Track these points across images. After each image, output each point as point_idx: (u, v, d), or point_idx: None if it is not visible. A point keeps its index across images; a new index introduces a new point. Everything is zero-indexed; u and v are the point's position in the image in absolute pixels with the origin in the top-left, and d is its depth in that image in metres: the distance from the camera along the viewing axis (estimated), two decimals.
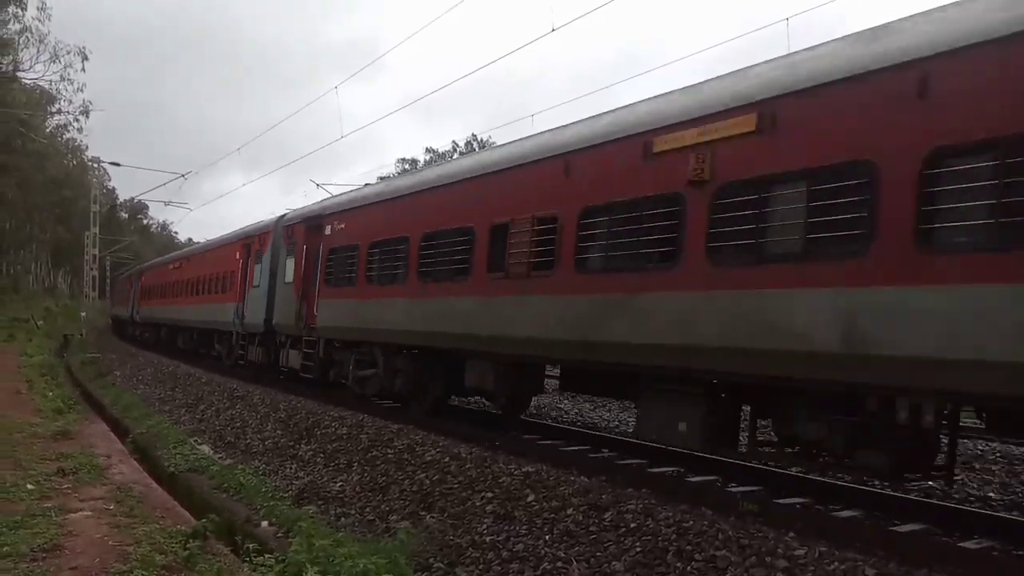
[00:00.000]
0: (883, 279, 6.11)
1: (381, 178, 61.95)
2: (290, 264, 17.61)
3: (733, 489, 8.29)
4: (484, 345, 10.78)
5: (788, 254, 6.90)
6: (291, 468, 11.14)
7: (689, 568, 6.04)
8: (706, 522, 6.67)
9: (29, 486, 8.67)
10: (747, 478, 9.11)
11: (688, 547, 6.28)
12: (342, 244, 15.28)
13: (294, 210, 19.32)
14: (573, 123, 10.28)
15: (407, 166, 70.31)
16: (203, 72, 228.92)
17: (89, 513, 7.70)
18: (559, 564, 6.72)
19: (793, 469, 9.80)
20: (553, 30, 15.55)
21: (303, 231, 17.25)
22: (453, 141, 68.15)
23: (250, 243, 20.88)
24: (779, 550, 5.95)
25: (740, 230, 7.28)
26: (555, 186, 9.63)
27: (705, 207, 7.59)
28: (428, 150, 68.76)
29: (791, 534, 6.46)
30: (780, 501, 7.81)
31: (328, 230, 15.98)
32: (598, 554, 6.69)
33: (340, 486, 9.93)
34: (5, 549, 6.29)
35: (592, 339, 8.84)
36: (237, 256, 21.53)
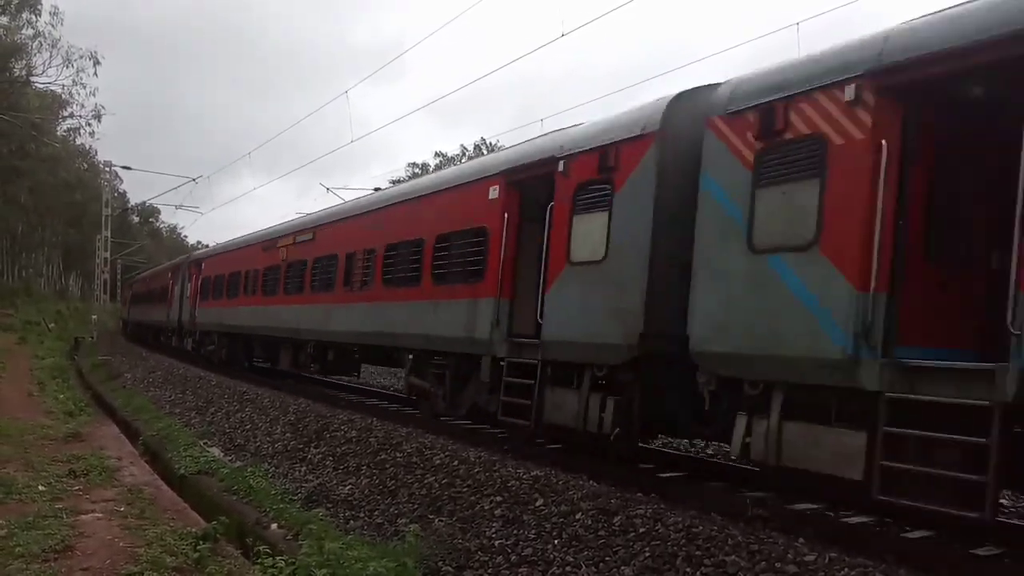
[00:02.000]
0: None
1: (392, 182, 62.34)
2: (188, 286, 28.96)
3: (743, 494, 8.26)
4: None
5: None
6: (300, 471, 11.17)
7: (698, 573, 6.02)
8: (715, 527, 6.65)
9: (41, 487, 8.73)
10: (757, 483, 9.08)
11: (697, 552, 6.26)
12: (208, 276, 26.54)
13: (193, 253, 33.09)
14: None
15: (417, 170, 70.66)
16: (223, 74, 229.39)
17: (100, 515, 7.75)
18: (568, 568, 6.72)
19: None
20: (563, 35, 15.65)
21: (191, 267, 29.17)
22: (462, 145, 68.42)
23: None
24: (789, 555, 5.93)
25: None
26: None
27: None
28: (437, 154, 69.00)
29: (801, 540, 6.43)
30: (790, 507, 7.78)
31: (203, 266, 27.38)
32: (607, 559, 6.68)
33: (349, 489, 9.95)
34: (18, 550, 6.33)
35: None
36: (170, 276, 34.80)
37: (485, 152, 63.83)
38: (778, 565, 5.82)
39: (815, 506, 7.97)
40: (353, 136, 75.44)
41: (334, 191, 38.69)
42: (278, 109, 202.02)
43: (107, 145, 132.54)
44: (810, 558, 5.85)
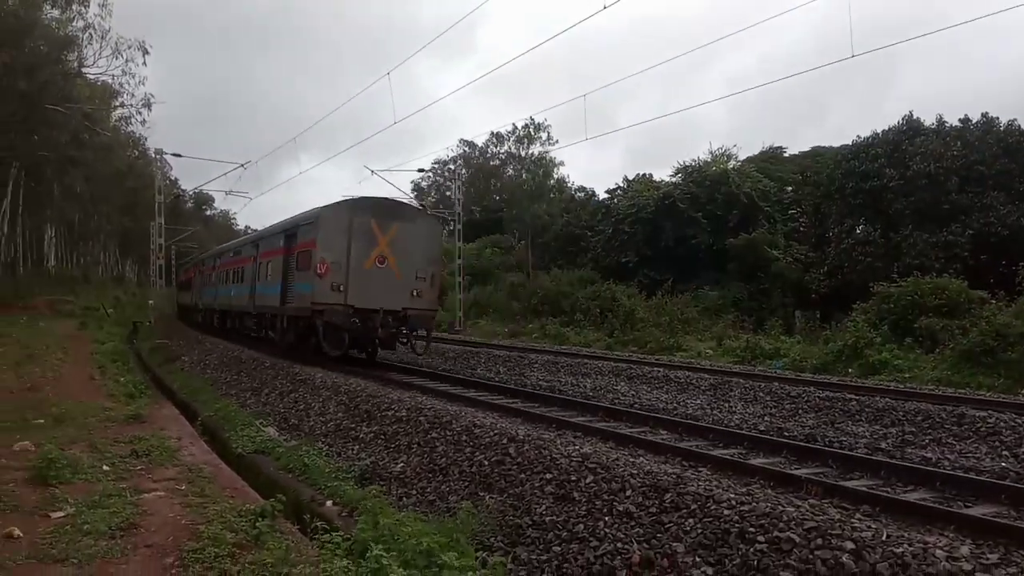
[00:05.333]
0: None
1: (436, 162, 62.80)
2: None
3: (797, 471, 8.17)
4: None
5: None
6: (353, 449, 11.35)
7: (752, 550, 5.98)
8: (769, 504, 6.58)
9: (105, 467, 8.99)
10: (812, 460, 8.96)
11: (751, 529, 6.21)
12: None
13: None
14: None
15: (466, 148, 71.49)
16: (290, 60, 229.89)
17: (162, 493, 7.95)
18: (619, 545, 6.73)
19: (859, 451, 9.61)
20: (605, 8, 15.41)
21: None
22: (513, 123, 68.16)
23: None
24: (845, 532, 5.84)
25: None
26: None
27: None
28: (492, 133, 69.15)
29: (858, 516, 6.33)
30: (846, 484, 7.66)
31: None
32: (658, 535, 6.67)
33: (401, 467, 10.08)
34: (86, 527, 6.54)
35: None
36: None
37: (532, 132, 64.27)
38: (834, 541, 5.74)
39: (872, 482, 7.85)
40: (396, 118, 75.64)
41: (379, 174, 38.40)
42: (344, 92, 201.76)
43: (165, 134, 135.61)
44: (867, 534, 5.76)
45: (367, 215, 18.50)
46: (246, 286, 24.99)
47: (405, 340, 19.23)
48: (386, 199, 20.94)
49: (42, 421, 11.96)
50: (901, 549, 5.45)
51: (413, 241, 18.90)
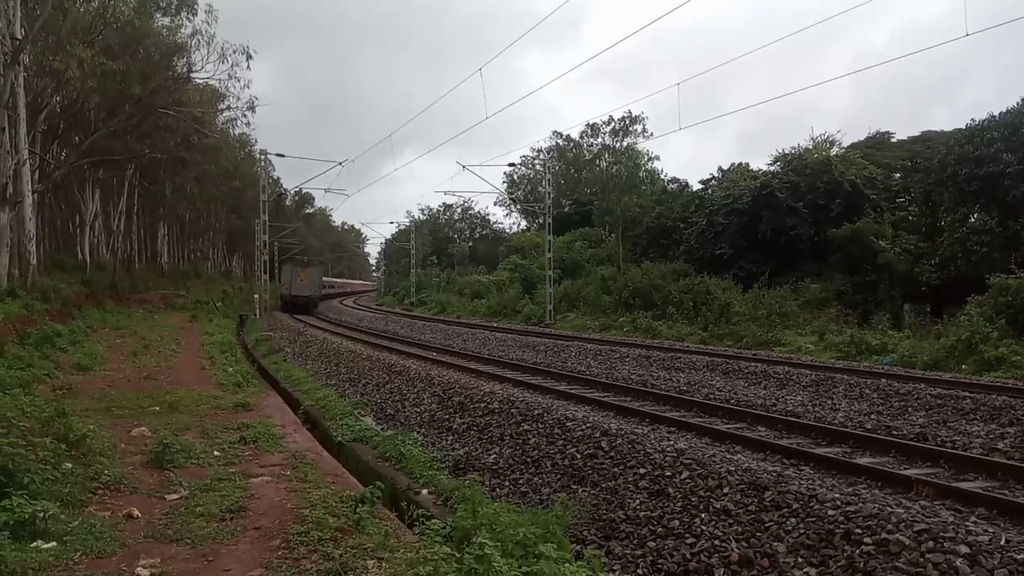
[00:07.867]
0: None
1: (524, 156, 63.06)
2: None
3: (906, 472, 7.81)
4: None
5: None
6: (447, 440, 11.54)
7: (858, 552, 5.75)
8: (876, 504, 6.31)
9: (216, 453, 9.43)
10: (922, 460, 8.56)
11: (857, 530, 5.97)
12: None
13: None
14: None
15: (559, 140, 71.49)
16: (400, 57, 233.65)
17: (268, 478, 8.28)
18: (716, 542, 6.60)
19: (974, 451, 9.11)
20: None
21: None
22: (611, 115, 67.56)
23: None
24: (959, 535, 5.55)
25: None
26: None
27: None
28: (588, 125, 68.81)
29: (973, 519, 6.00)
30: (960, 485, 7.27)
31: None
32: (758, 534, 6.50)
33: (494, 458, 10.18)
34: (198, 509, 6.89)
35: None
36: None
37: (628, 125, 63.57)
38: (947, 545, 5.46)
39: (989, 484, 7.43)
40: (488, 113, 76.19)
41: (470, 169, 39.34)
42: (446, 86, 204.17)
43: (275, 134, 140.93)
44: (983, 539, 5.46)
45: (298, 266, 57.07)
46: (281, 287, 54.96)
47: (311, 306, 52.76)
48: (305, 259, 72.82)
49: (157, 408, 12.65)
50: (1023, 556, 5.14)
51: (312, 273, 55.39)
